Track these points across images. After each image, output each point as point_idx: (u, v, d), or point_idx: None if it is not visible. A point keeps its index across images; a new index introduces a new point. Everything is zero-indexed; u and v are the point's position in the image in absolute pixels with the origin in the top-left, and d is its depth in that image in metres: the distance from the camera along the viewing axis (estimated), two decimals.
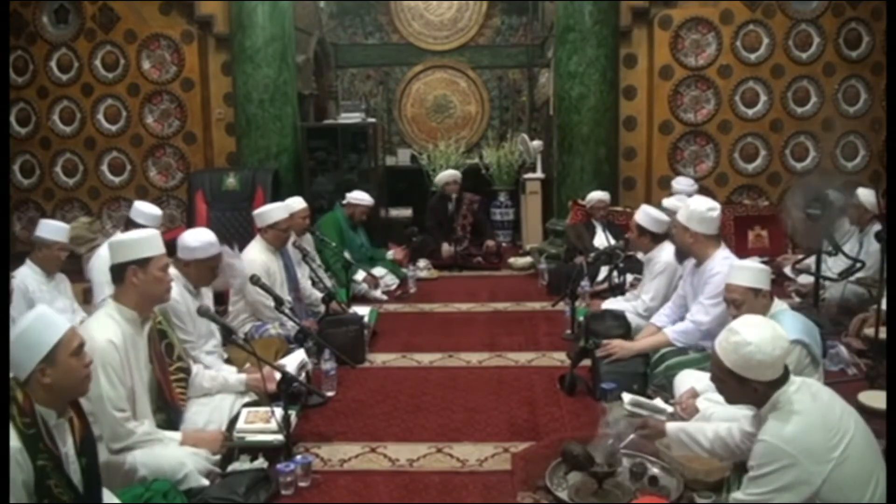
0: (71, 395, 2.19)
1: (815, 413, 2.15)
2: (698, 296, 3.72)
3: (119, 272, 2.86)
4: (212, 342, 3.63)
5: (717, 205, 3.80)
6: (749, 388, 2.22)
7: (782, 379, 2.22)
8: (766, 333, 2.20)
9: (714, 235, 3.75)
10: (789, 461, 2.08)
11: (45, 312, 2.17)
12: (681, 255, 3.95)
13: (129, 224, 4.61)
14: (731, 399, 2.35)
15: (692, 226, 3.72)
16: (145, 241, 2.93)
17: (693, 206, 3.77)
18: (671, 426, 2.69)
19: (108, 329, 2.72)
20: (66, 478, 2.07)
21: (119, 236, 3.05)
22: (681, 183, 6.28)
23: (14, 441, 1.96)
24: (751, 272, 3.07)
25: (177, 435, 2.89)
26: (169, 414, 2.98)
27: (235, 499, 2.67)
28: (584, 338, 4.05)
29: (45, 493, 2.01)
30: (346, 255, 5.61)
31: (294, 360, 3.66)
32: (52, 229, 4.35)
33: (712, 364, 2.34)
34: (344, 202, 6.35)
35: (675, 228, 3.88)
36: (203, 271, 3.57)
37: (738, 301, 3.06)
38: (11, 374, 2.07)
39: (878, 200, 5.24)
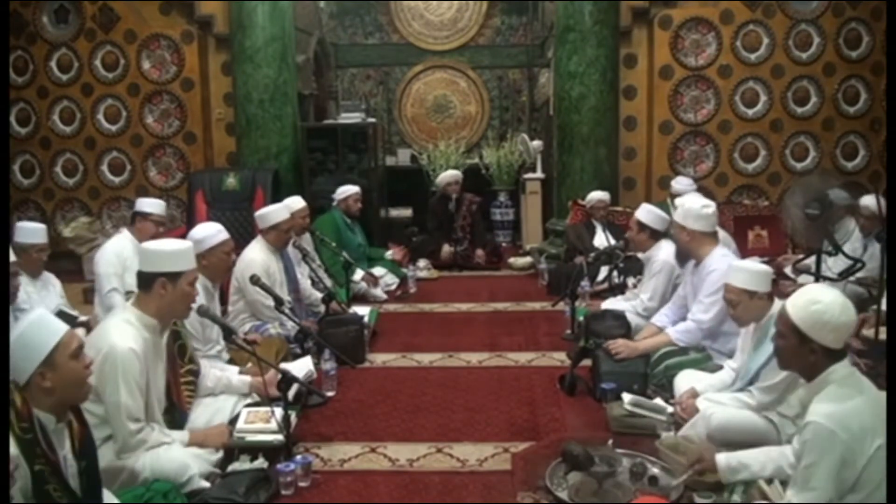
0: (72, 399, 2.16)
1: (861, 399, 2.17)
2: (698, 294, 3.74)
3: (147, 281, 2.85)
4: (216, 348, 3.65)
5: (711, 202, 3.88)
6: (807, 349, 2.24)
7: (839, 355, 2.24)
8: (839, 299, 2.25)
9: (711, 233, 3.80)
10: (836, 441, 2.08)
11: (41, 316, 2.14)
12: (681, 258, 3.96)
13: (137, 216, 4.62)
14: (786, 361, 2.36)
15: (688, 224, 3.79)
16: (179, 254, 2.91)
17: (688, 204, 3.85)
18: (720, 458, 2.59)
19: (128, 336, 2.71)
20: (65, 482, 2.06)
21: (153, 244, 3.01)
22: (680, 183, 6.29)
23: (11, 447, 1.93)
24: (747, 274, 3.08)
25: (184, 435, 2.89)
26: (174, 415, 2.99)
27: (235, 499, 2.67)
28: (584, 338, 4.05)
29: (44, 497, 1.99)
30: (345, 255, 5.61)
31: (301, 368, 3.66)
32: (27, 232, 4.23)
33: (778, 320, 2.36)
34: (334, 203, 6.36)
35: (674, 228, 3.91)
36: (219, 259, 3.65)
37: (734, 301, 3.10)
38: (11, 378, 2.04)
39: (879, 201, 5.23)
